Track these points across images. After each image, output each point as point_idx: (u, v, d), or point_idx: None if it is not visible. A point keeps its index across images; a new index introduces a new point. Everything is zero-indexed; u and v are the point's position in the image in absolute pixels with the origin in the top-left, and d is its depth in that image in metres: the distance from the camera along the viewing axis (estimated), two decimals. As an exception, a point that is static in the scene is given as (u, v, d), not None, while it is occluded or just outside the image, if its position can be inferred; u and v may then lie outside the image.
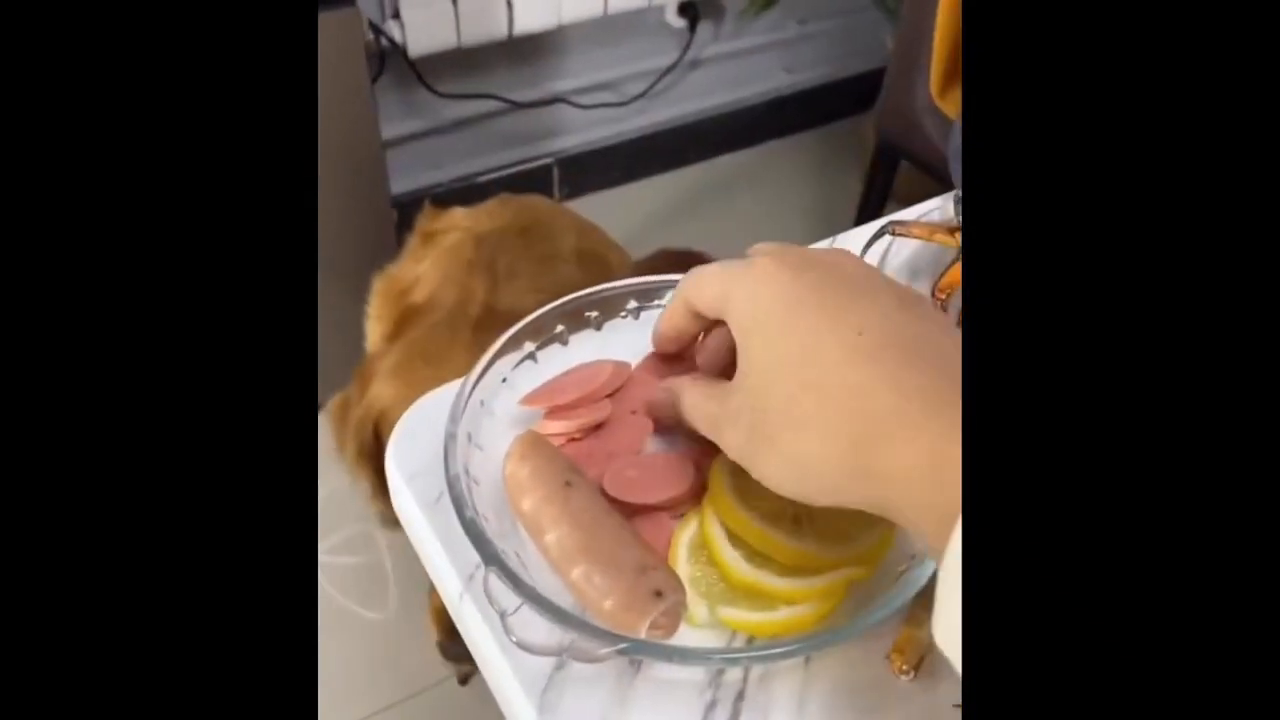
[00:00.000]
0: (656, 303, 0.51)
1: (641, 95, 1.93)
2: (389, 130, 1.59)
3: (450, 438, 0.42)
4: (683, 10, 1.86)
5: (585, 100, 1.88)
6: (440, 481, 0.45)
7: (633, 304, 0.51)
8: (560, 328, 0.50)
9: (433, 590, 1.30)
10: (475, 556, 0.40)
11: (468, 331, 0.98)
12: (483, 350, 0.46)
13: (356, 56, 1.31)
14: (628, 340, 0.50)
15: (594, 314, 0.50)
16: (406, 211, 1.28)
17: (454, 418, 0.43)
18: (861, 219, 1.52)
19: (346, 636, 1.32)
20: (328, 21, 1.28)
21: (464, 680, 1.27)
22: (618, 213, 1.82)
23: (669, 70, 1.93)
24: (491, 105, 1.75)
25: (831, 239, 0.61)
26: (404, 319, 1.05)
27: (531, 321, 0.48)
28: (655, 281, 0.51)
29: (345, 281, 1.17)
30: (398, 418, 0.49)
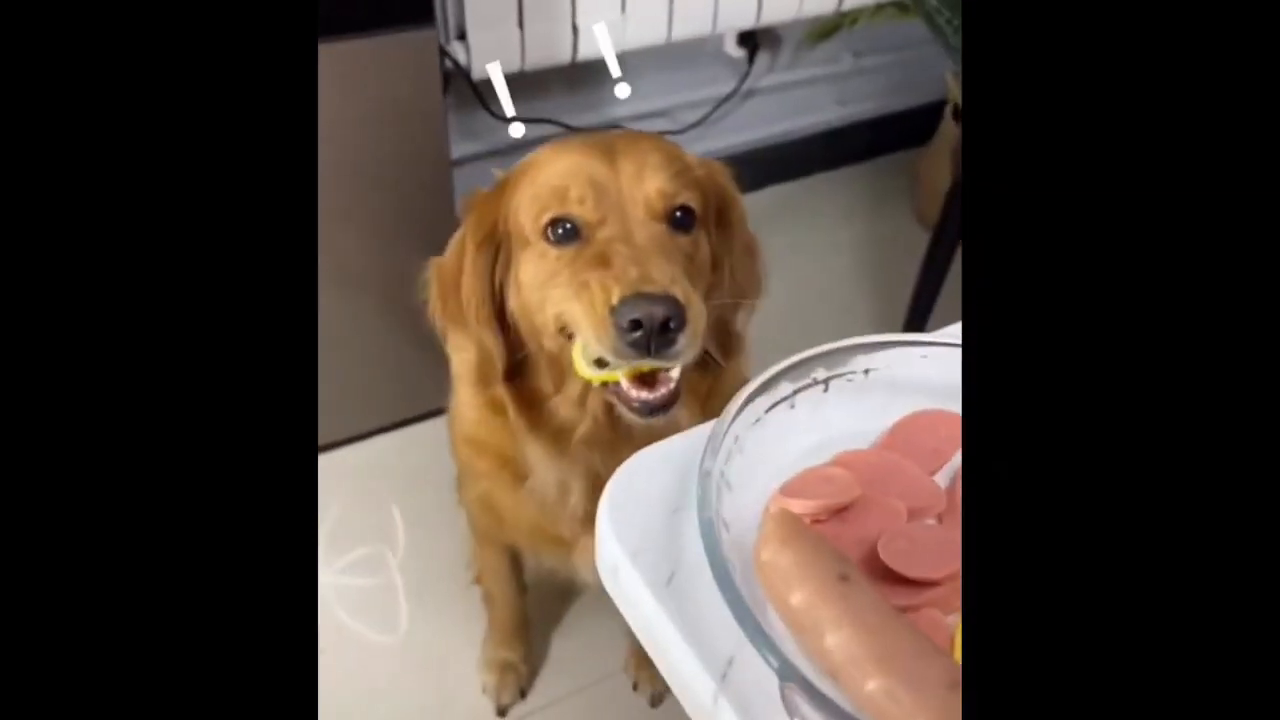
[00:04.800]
0: (881, 366, 0.47)
1: (698, 124, 1.89)
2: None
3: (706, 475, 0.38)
4: (743, 40, 1.83)
5: (641, 127, 1.84)
6: (671, 561, 0.40)
7: (860, 361, 0.47)
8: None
9: (489, 642, 1.23)
10: (724, 646, 0.36)
11: None
12: None
13: (431, 76, 1.28)
14: (857, 408, 0.46)
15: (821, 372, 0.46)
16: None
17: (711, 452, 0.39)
18: (930, 265, 1.47)
19: (356, 660, 1.26)
20: (402, 41, 1.25)
21: (503, 712, 1.22)
22: (671, 241, 1.77)
23: (726, 99, 1.90)
24: (550, 130, 1.72)
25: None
26: None
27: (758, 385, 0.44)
28: (882, 341, 0.46)
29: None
30: None
